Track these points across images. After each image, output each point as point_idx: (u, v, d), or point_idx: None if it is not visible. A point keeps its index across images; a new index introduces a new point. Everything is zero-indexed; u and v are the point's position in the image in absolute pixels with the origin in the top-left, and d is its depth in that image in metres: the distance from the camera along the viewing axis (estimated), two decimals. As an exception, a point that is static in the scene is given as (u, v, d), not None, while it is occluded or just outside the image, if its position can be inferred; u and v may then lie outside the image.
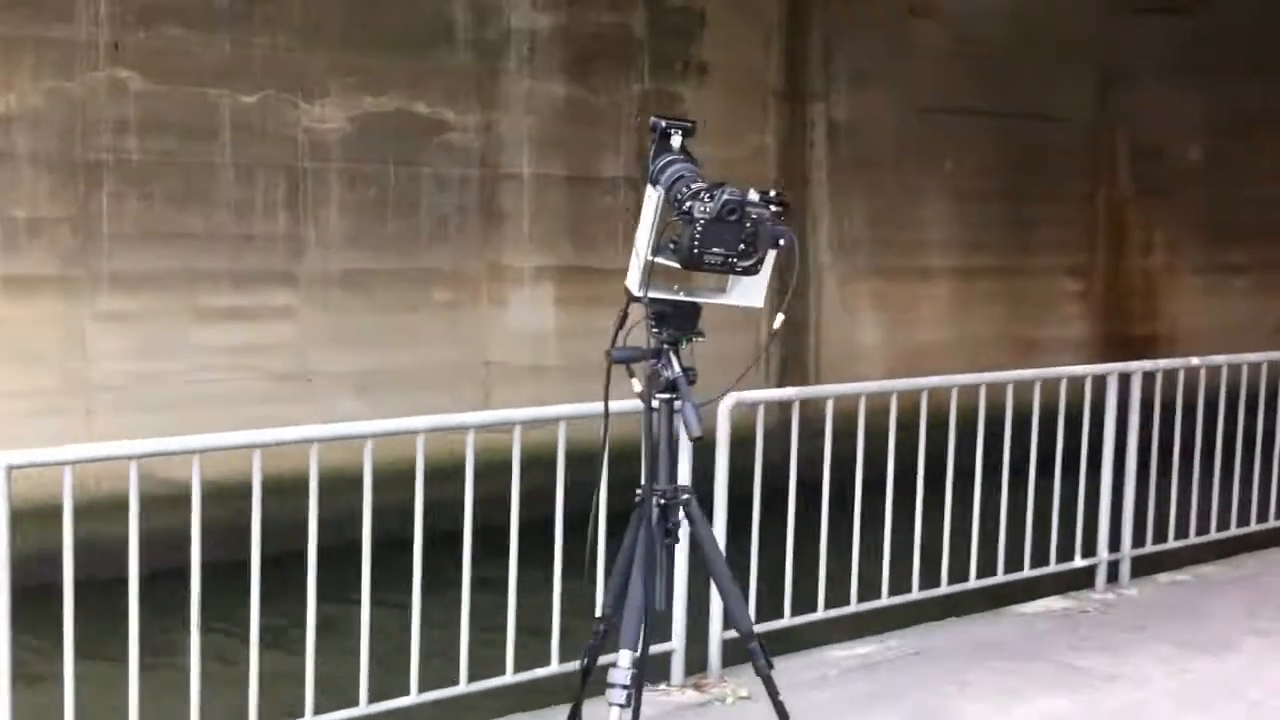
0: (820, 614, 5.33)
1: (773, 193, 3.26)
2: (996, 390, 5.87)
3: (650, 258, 3.22)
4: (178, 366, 9.25)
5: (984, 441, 5.79)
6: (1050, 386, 6.08)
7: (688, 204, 3.13)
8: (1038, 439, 5.98)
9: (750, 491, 5.09)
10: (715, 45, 11.17)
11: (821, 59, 11.77)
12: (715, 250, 3.14)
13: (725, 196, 3.13)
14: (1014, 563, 5.95)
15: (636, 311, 3.32)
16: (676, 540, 3.39)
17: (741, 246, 3.15)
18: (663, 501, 3.34)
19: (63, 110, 8.78)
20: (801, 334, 11.86)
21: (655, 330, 3.31)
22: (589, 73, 10.63)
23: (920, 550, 5.55)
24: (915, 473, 5.62)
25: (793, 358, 11.78)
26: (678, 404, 3.27)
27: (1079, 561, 6.20)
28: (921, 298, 12.60)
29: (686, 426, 3.22)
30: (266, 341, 9.57)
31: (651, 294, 3.27)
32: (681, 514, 3.37)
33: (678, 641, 4.84)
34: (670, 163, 3.29)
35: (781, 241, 3.23)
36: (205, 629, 4.17)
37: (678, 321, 3.30)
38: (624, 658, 3.15)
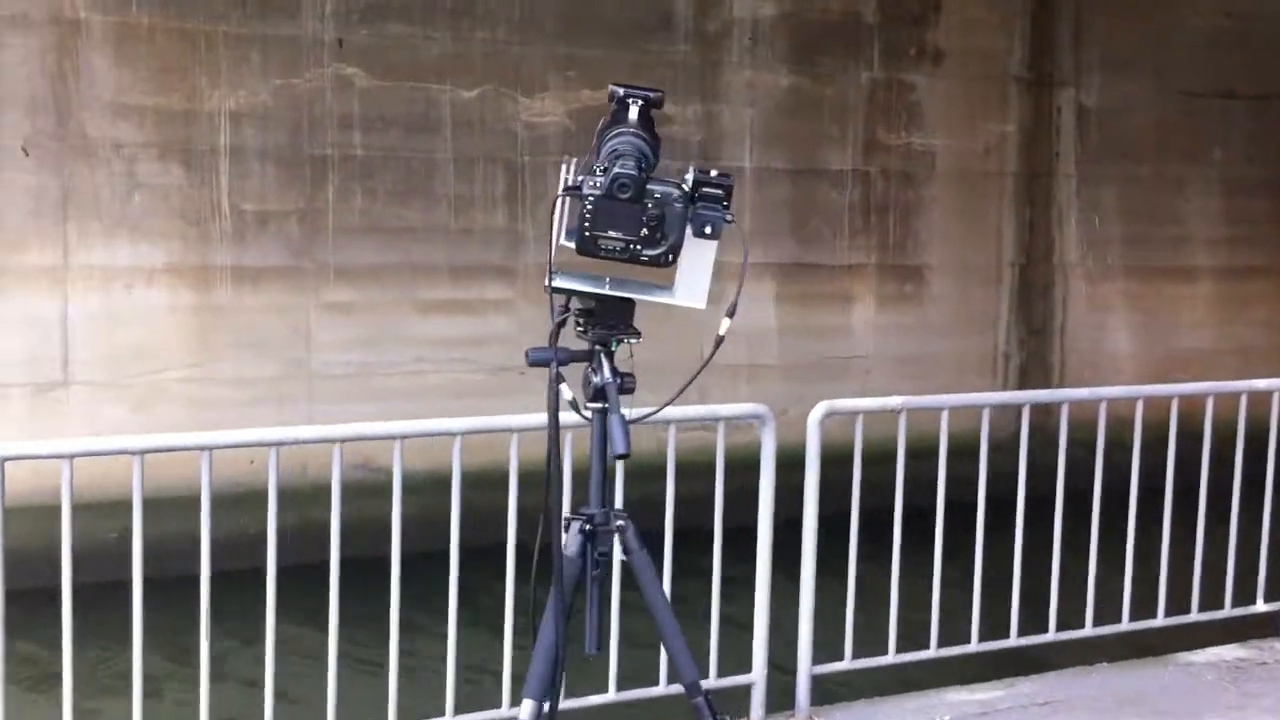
0: (933, 652, 4.87)
1: (713, 173, 2.92)
2: (1161, 406, 5.29)
3: (560, 242, 2.91)
4: (396, 357, 9.46)
5: (1141, 466, 5.23)
6: (1229, 403, 5.42)
7: (579, 178, 2.81)
8: (1212, 462, 5.33)
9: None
10: (952, 30, 10.65)
11: (1071, 42, 11.06)
12: (611, 234, 2.81)
13: (616, 170, 2.77)
14: (1179, 604, 5.36)
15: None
16: (608, 572, 3.10)
17: (644, 232, 2.80)
18: (588, 527, 2.99)
19: (290, 106, 9.08)
20: (1044, 337, 11.20)
21: (581, 329, 2.98)
22: (814, 62, 10.30)
23: (1059, 585, 5.06)
24: (1054, 497, 5.10)
25: (1035, 362, 11.15)
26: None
27: (1261, 606, 5.53)
28: (1182, 300, 11.69)
29: (610, 441, 2.90)
30: (482, 334, 9.67)
31: (576, 286, 2.94)
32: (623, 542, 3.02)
33: (758, 674, 4.52)
34: (617, 134, 2.92)
35: (708, 230, 2.85)
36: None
37: (606, 319, 2.96)
38: (525, 709, 2.86)
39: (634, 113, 2.96)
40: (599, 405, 2.96)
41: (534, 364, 2.93)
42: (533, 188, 9.70)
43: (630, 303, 2.98)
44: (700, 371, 3.07)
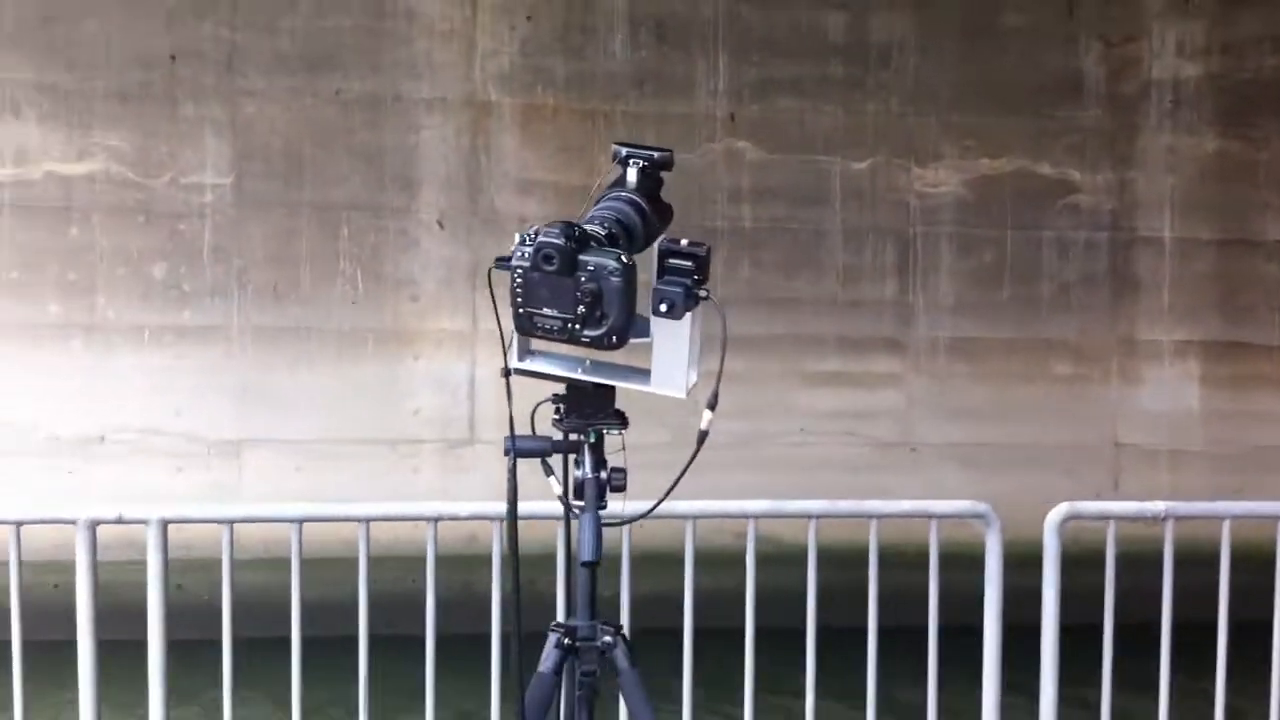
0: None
1: (683, 242, 2.63)
2: None
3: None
4: (780, 428, 9.40)
5: None
6: None
7: (513, 249, 2.54)
8: None
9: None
10: None
11: None
12: (546, 312, 2.52)
13: (540, 239, 2.49)
14: None
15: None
16: (595, 693, 2.74)
17: (580, 309, 2.50)
18: (568, 641, 2.73)
19: (683, 180, 9.25)
20: None
21: (556, 419, 2.74)
22: (1247, 123, 9.35)
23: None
24: None
25: None
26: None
27: None
28: None
29: (578, 545, 2.66)
30: (870, 408, 9.43)
31: (543, 369, 2.70)
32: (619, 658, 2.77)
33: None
34: (610, 199, 2.69)
35: (664, 308, 2.53)
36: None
37: (583, 407, 2.71)
38: None
39: (633, 175, 2.73)
40: (581, 503, 2.74)
41: (517, 455, 2.74)
42: (924, 259, 9.41)
43: (610, 389, 2.73)
44: (685, 472, 2.81)
